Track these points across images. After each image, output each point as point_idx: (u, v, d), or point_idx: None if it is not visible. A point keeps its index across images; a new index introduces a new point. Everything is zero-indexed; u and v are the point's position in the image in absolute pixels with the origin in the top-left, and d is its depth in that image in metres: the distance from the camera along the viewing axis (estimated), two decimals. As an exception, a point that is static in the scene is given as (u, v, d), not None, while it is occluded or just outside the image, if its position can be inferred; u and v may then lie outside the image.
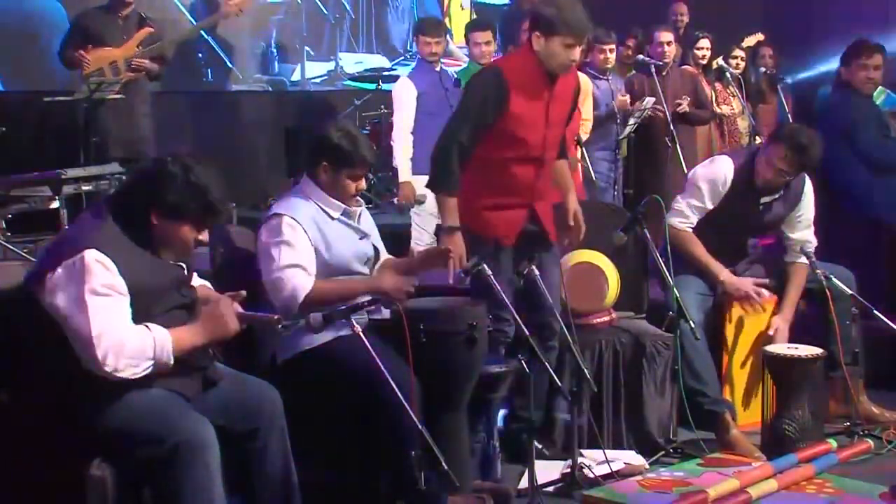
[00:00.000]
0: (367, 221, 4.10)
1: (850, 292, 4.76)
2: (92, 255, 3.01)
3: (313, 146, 3.96)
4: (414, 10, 9.27)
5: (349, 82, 8.77)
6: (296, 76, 8.70)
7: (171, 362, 3.08)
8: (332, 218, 3.92)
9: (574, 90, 4.40)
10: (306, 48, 8.76)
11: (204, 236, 3.23)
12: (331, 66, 8.77)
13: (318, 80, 8.78)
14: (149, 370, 3.05)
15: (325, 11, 8.73)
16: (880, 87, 6.31)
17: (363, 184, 3.98)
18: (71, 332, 2.99)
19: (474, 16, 9.44)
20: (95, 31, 6.36)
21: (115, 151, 6.11)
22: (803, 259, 4.74)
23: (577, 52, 4.14)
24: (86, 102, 6.13)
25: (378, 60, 8.94)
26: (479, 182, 4.21)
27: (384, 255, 4.15)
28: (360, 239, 3.99)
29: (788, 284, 4.80)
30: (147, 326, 3.06)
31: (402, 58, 9.11)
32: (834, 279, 4.70)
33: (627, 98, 7.04)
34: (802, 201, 4.75)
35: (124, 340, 2.99)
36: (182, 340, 3.11)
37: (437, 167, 4.28)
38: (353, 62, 8.87)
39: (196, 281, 3.46)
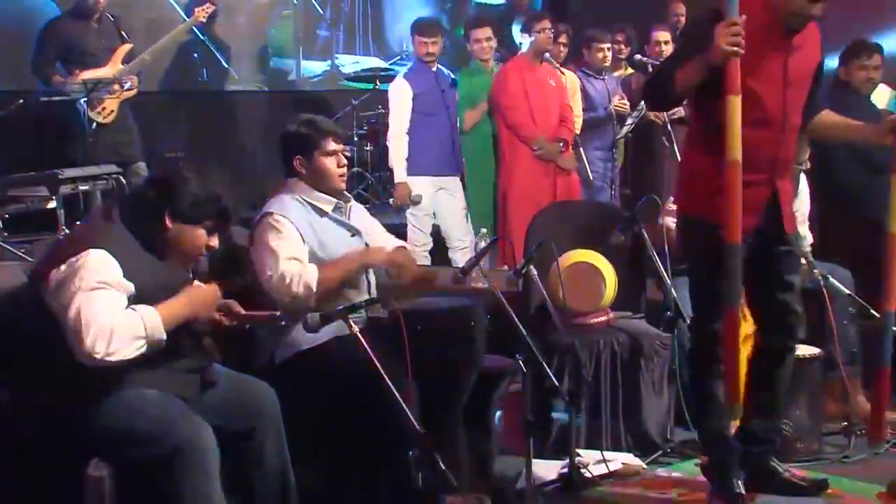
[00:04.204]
0: (359, 215, 4.11)
1: (848, 292, 4.78)
2: (97, 255, 3.04)
3: (281, 150, 4.00)
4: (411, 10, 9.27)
5: (347, 82, 8.78)
6: (292, 76, 8.69)
7: (164, 338, 3.08)
8: (324, 214, 3.94)
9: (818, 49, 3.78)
10: (302, 48, 8.74)
11: (214, 242, 3.26)
12: (327, 65, 8.78)
13: (314, 80, 8.77)
14: (142, 349, 3.04)
15: (321, 11, 8.72)
16: (889, 90, 6.32)
17: (343, 159, 3.99)
18: (65, 322, 2.99)
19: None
20: (74, 43, 6.32)
21: (104, 155, 6.11)
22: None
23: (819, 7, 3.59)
24: (83, 101, 6.15)
25: (374, 61, 8.94)
26: (706, 158, 3.67)
27: (391, 243, 4.16)
28: (352, 236, 4.01)
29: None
30: (134, 308, 3.06)
31: (399, 58, 9.12)
32: (832, 279, 4.71)
33: (627, 104, 7.04)
34: (798, 197, 4.75)
35: (114, 326, 2.98)
36: (170, 315, 3.11)
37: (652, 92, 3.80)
38: (350, 62, 8.86)
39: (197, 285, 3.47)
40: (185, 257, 3.26)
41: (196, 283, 3.46)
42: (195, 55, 8.04)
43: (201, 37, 7.86)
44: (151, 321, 3.05)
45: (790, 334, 3.89)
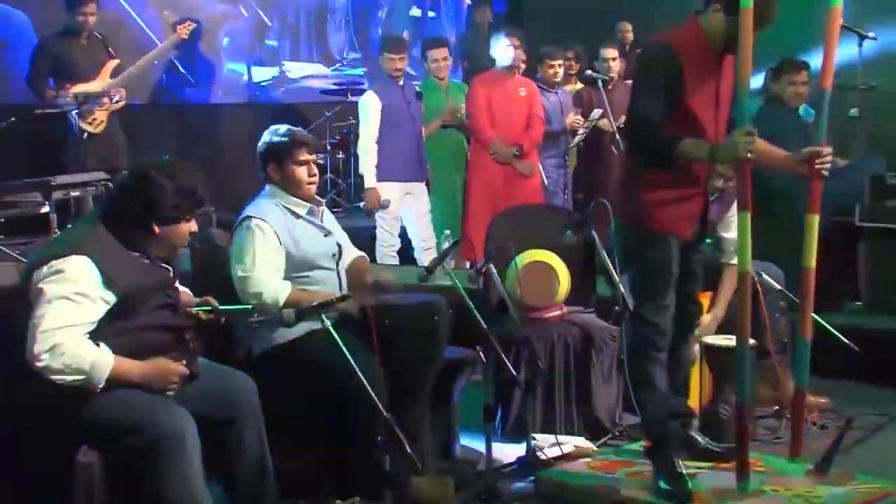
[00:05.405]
0: (330, 219, 4.09)
1: (779, 287, 4.80)
2: (79, 261, 2.98)
3: (257, 158, 3.97)
4: (350, 22, 9.34)
5: (321, 94, 8.78)
6: (243, 81, 8.73)
7: (101, 385, 2.98)
8: (299, 217, 3.92)
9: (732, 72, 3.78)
10: (252, 55, 8.76)
11: (194, 227, 3.24)
12: (275, 71, 8.87)
13: (264, 85, 8.82)
14: (76, 383, 2.95)
15: (269, 23, 8.77)
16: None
17: (315, 168, 3.97)
18: (30, 321, 2.94)
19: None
20: (65, 59, 6.26)
21: (93, 164, 6.06)
22: (736, 259, 4.74)
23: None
24: (75, 112, 6.12)
25: (318, 68, 9.08)
26: (654, 175, 3.75)
27: (353, 251, 4.14)
28: (325, 236, 3.99)
29: (721, 284, 4.81)
30: (98, 345, 2.99)
31: (340, 64, 9.27)
32: (764, 276, 4.74)
33: (581, 119, 7.06)
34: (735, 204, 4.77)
35: (66, 346, 2.92)
36: (122, 372, 3.01)
37: (648, 147, 3.75)
38: (296, 68, 8.97)
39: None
40: (173, 250, 3.25)
41: (178, 286, 3.45)
42: (154, 62, 7.95)
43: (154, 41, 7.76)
44: (100, 368, 2.96)
45: (693, 319, 4.05)
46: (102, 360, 2.98)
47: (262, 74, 8.74)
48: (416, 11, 9.85)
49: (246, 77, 8.68)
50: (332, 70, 9.12)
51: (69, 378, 2.95)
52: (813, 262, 3.76)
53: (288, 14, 8.93)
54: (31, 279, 3.01)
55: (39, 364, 2.91)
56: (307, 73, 8.97)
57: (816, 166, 3.72)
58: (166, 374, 3.11)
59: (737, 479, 3.74)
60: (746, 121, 3.58)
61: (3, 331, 3.13)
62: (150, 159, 3.22)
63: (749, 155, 3.55)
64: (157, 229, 3.13)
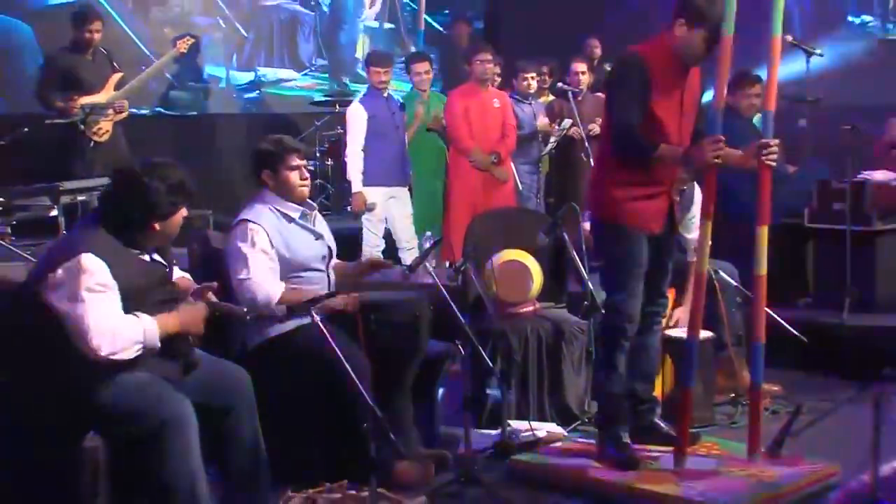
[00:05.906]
0: (322, 223, 4.08)
1: (735, 284, 4.83)
2: (87, 258, 2.98)
3: (252, 164, 3.96)
4: (318, 32, 9.40)
5: (311, 105, 8.79)
6: (222, 84, 8.76)
7: (158, 345, 3.06)
8: (291, 220, 3.90)
9: (700, 81, 3.95)
10: (230, 62, 8.81)
11: (185, 212, 3.25)
12: (251, 76, 8.98)
13: (241, 88, 8.90)
14: (140, 352, 3.02)
15: (245, 34, 8.89)
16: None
17: (305, 172, 3.96)
18: (70, 324, 2.95)
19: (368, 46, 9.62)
20: (72, 73, 6.23)
21: (99, 170, 6.03)
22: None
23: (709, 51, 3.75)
24: (81, 124, 6.10)
25: (289, 73, 9.20)
26: (624, 175, 3.82)
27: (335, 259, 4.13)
28: (316, 240, 3.97)
29: (686, 280, 4.83)
30: (137, 315, 3.03)
31: (308, 70, 9.38)
32: (721, 273, 4.76)
33: (547, 122, 7.08)
34: (694, 205, 4.80)
35: (116, 329, 2.96)
36: (168, 327, 3.09)
37: (629, 149, 3.78)
38: (270, 73, 9.10)
39: (177, 273, 3.45)
40: (169, 238, 3.27)
41: (179, 271, 3.44)
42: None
43: (146, 51, 7.73)
44: (150, 331, 3.04)
45: (660, 312, 4.10)
46: (149, 326, 3.03)
47: (238, 78, 8.85)
48: (373, 23, 9.91)
49: (224, 83, 8.73)
50: (302, 75, 9.31)
51: (132, 352, 3.00)
52: (764, 270, 3.78)
53: (262, 26, 9.06)
54: (47, 283, 3.00)
55: (102, 353, 2.94)
56: (280, 78, 9.14)
57: (763, 158, 3.74)
58: (196, 315, 3.19)
59: (674, 461, 3.81)
60: (717, 132, 3.68)
61: (15, 324, 3.11)
62: (135, 165, 3.23)
63: (717, 160, 3.65)
64: (157, 226, 3.15)
